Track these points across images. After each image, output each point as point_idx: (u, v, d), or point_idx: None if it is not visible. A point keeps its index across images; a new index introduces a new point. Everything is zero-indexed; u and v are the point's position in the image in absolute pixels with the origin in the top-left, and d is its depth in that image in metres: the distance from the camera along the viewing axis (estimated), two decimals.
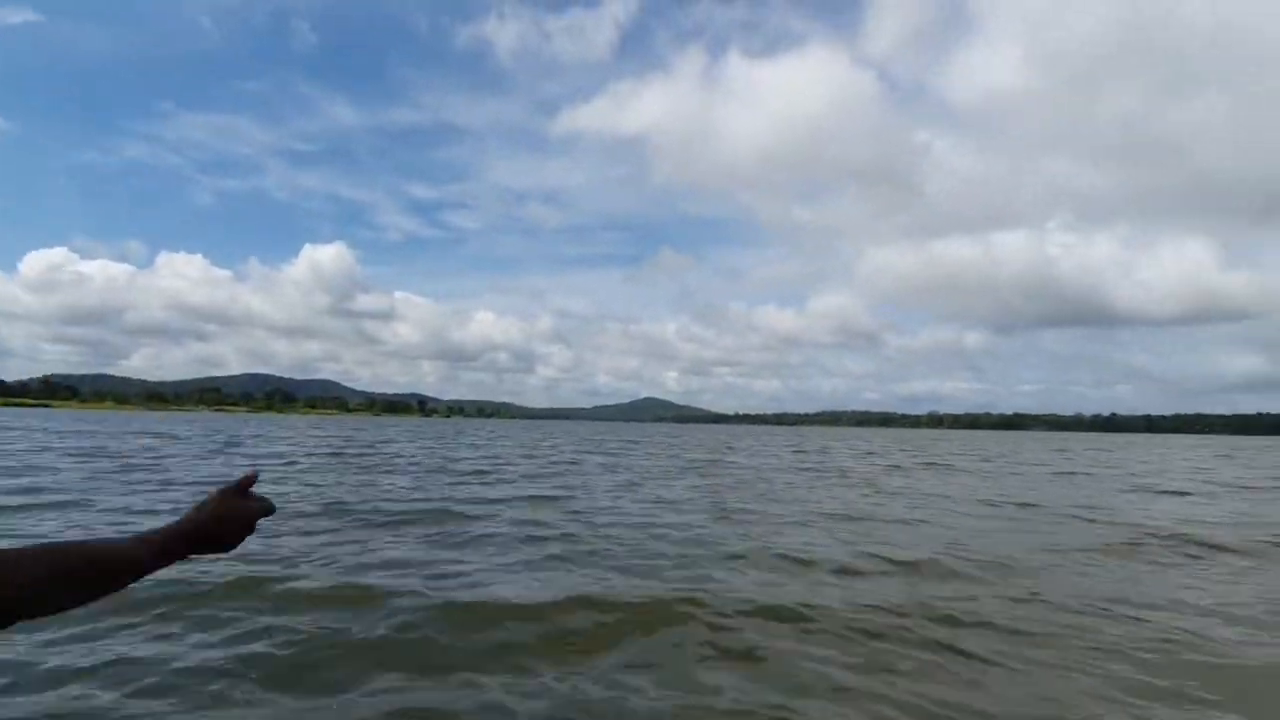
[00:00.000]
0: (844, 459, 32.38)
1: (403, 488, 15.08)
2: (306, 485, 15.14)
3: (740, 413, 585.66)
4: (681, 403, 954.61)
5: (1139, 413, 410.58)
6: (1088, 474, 24.84)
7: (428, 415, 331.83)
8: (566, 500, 13.64)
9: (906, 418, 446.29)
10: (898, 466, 27.10)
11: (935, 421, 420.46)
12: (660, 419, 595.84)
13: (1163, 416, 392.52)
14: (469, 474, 19.19)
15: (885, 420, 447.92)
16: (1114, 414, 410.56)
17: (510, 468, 21.97)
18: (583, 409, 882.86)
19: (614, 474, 20.75)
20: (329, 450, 29.42)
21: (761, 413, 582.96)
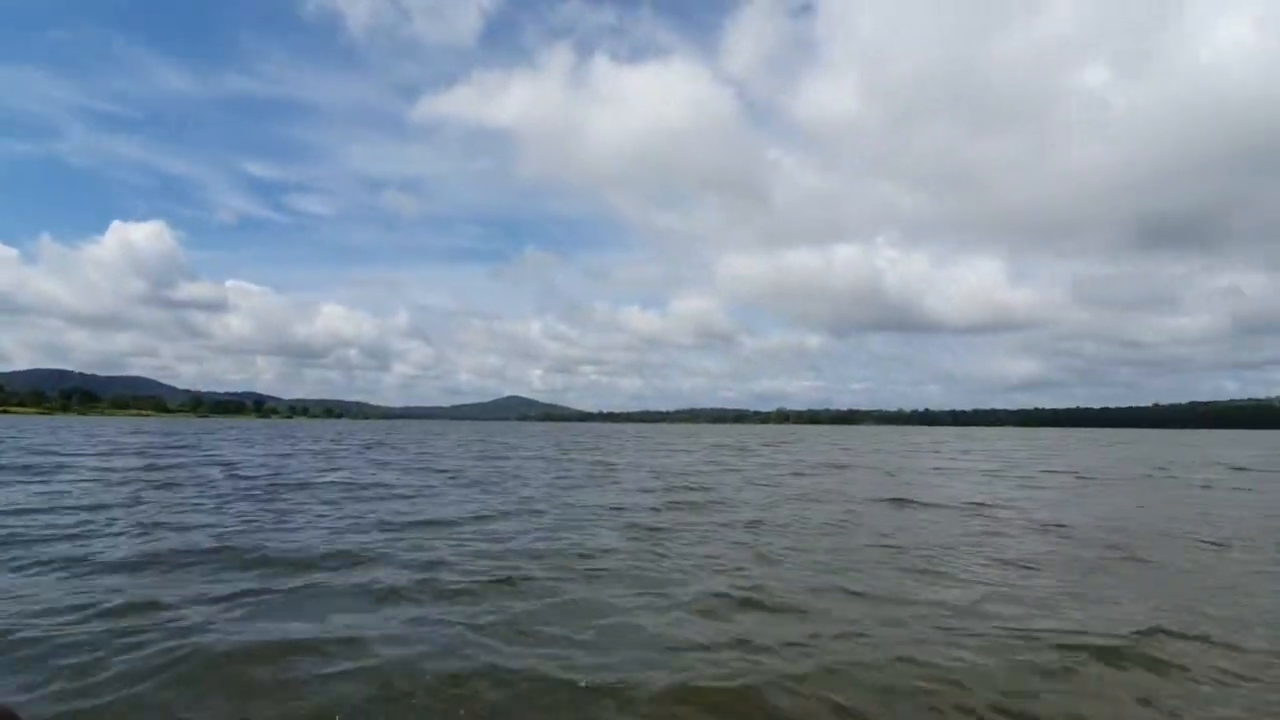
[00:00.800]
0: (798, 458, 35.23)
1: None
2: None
3: (605, 411, 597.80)
4: (546, 401, 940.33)
5: (946, 408, 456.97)
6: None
7: (265, 416, 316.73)
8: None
9: (758, 414, 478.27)
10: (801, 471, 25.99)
11: (783, 417, 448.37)
12: (525, 417, 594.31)
13: (964, 411, 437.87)
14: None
15: (740, 417, 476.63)
16: (927, 409, 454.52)
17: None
18: (443, 408, 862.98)
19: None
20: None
21: (626, 410, 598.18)
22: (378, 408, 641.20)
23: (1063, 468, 29.37)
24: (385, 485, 18.73)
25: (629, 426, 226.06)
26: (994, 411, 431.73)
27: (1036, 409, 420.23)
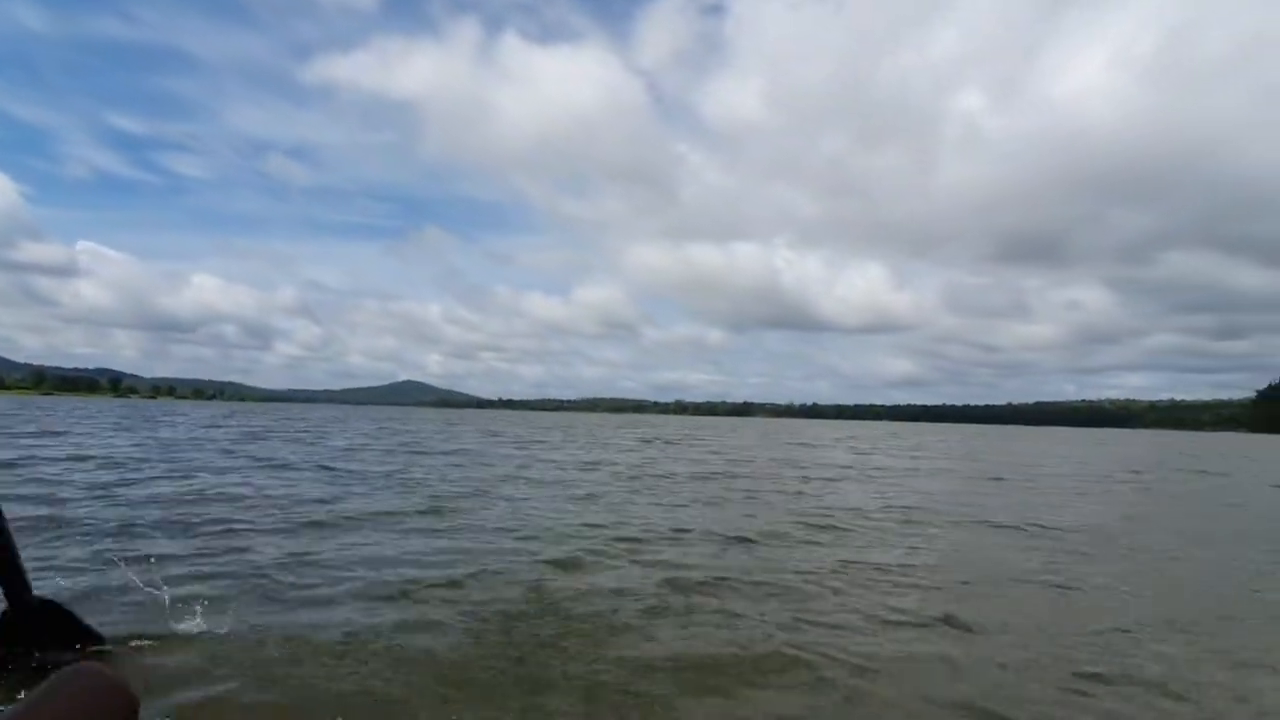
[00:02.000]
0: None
1: None
2: None
3: (504, 398, 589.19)
4: (444, 387, 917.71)
5: (833, 402, 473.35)
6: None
7: (123, 395, 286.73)
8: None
9: (657, 405, 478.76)
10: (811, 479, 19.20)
11: (681, 409, 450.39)
12: (421, 403, 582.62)
13: (848, 405, 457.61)
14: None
15: (639, 407, 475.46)
16: (815, 403, 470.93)
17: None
18: (331, 391, 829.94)
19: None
20: None
21: (526, 398, 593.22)
22: (256, 389, 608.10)
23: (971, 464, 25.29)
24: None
25: (537, 415, 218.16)
26: (874, 406, 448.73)
27: (910, 405, 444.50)
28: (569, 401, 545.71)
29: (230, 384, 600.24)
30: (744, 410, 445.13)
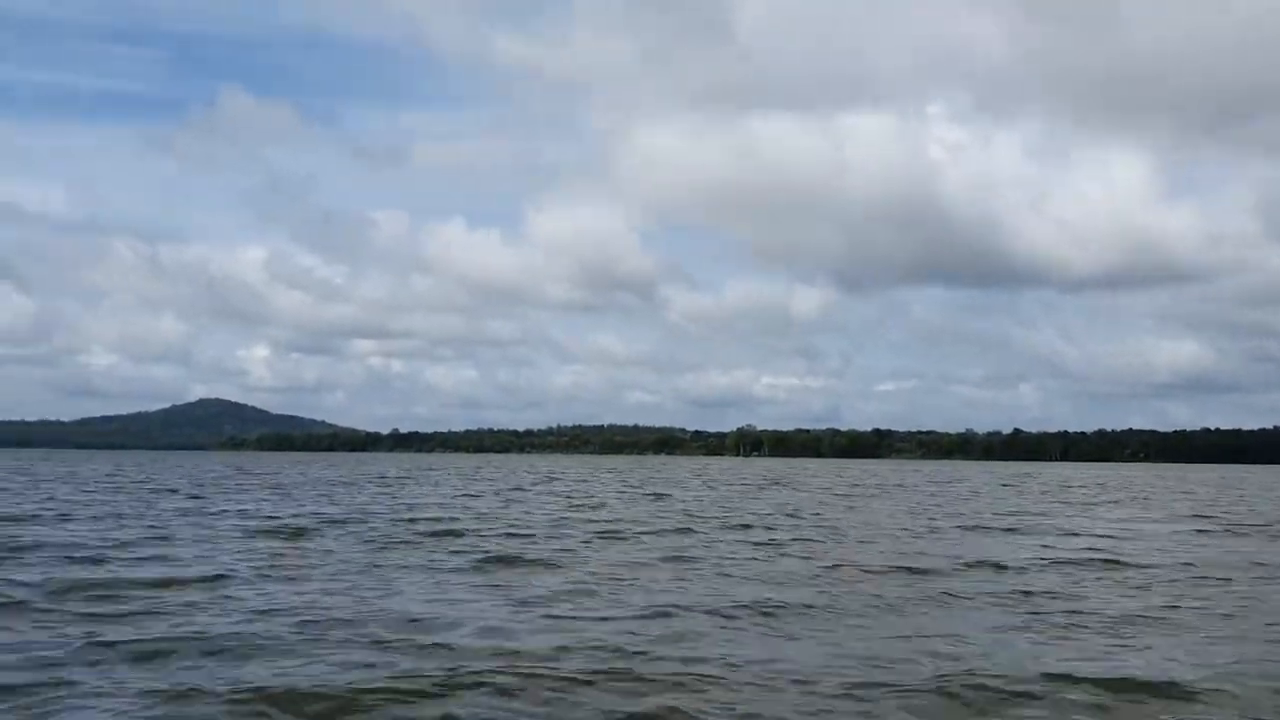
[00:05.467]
0: None
1: None
2: None
3: (398, 430, 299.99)
4: (278, 410, 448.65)
5: (1046, 428, 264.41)
6: None
7: None
8: None
9: (700, 436, 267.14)
10: None
11: (745, 443, 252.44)
12: (237, 442, 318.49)
13: (1082, 435, 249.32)
14: None
15: (664, 441, 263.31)
16: (1016, 429, 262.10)
17: None
18: (56, 425, 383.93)
19: None
20: None
21: (443, 429, 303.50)
22: None
23: None
24: None
25: (458, 461, 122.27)
26: (1134, 433, 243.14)
27: (1205, 429, 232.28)
28: (530, 434, 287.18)
29: None
30: (871, 444, 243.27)
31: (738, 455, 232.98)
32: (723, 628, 8.88)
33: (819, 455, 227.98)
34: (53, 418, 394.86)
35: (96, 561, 12.64)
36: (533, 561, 13.62)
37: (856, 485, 49.69)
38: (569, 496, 32.95)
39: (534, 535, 17.62)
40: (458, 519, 21.25)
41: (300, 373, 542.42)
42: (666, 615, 9.32)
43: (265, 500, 27.66)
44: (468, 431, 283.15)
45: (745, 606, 9.77)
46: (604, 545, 16.23)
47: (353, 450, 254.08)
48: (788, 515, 24.23)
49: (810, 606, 9.99)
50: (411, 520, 20.49)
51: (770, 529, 19.89)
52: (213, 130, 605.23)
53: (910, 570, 13.02)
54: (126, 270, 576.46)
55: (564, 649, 7.70)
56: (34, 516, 19.86)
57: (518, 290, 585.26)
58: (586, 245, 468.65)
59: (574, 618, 9.21)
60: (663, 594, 10.69)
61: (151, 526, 18.11)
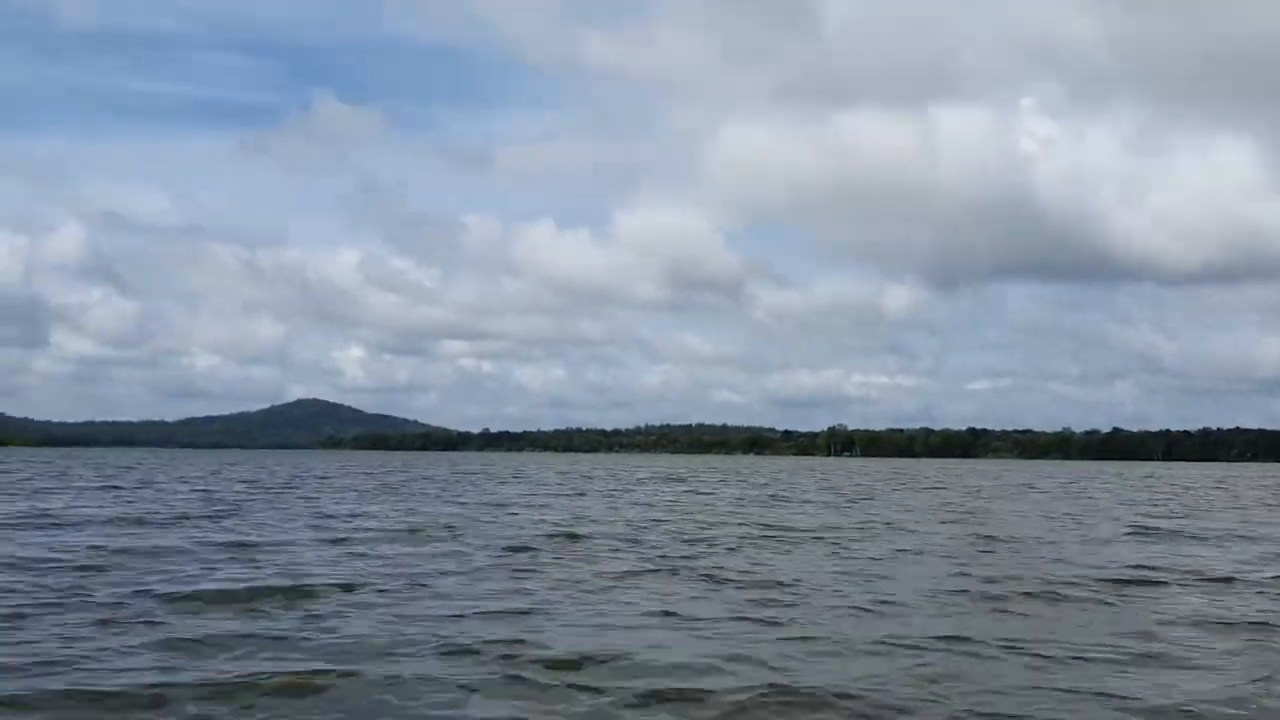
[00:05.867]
0: None
1: None
2: None
3: (490, 430, 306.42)
4: (372, 410, 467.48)
5: (1150, 427, 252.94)
6: None
7: None
8: None
9: (790, 436, 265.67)
10: None
11: (835, 442, 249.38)
12: (335, 441, 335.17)
13: (1185, 434, 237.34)
14: None
15: (754, 440, 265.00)
16: (1115, 428, 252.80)
17: None
18: (160, 425, 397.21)
19: None
20: None
21: (531, 429, 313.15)
22: (24, 423, 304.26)
23: None
24: None
25: (549, 461, 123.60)
26: (1234, 433, 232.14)
27: None
28: (618, 433, 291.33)
29: None
30: (966, 444, 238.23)
31: (828, 455, 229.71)
32: None
33: (912, 455, 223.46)
34: (156, 418, 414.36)
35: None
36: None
37: (998, 485, 48.92)
38: (739, 502, 30.42)
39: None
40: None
41: (393, 373, 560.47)
42: None
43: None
44: (556, 431, 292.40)
45: None
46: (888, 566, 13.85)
47: (444, 450, 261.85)
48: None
49: None
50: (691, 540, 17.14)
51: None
52: (307, 136, 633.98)
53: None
54: (226, 273, 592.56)
55: None
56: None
57: (605, 290, 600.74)
58: (673, 244, 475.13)
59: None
60: None
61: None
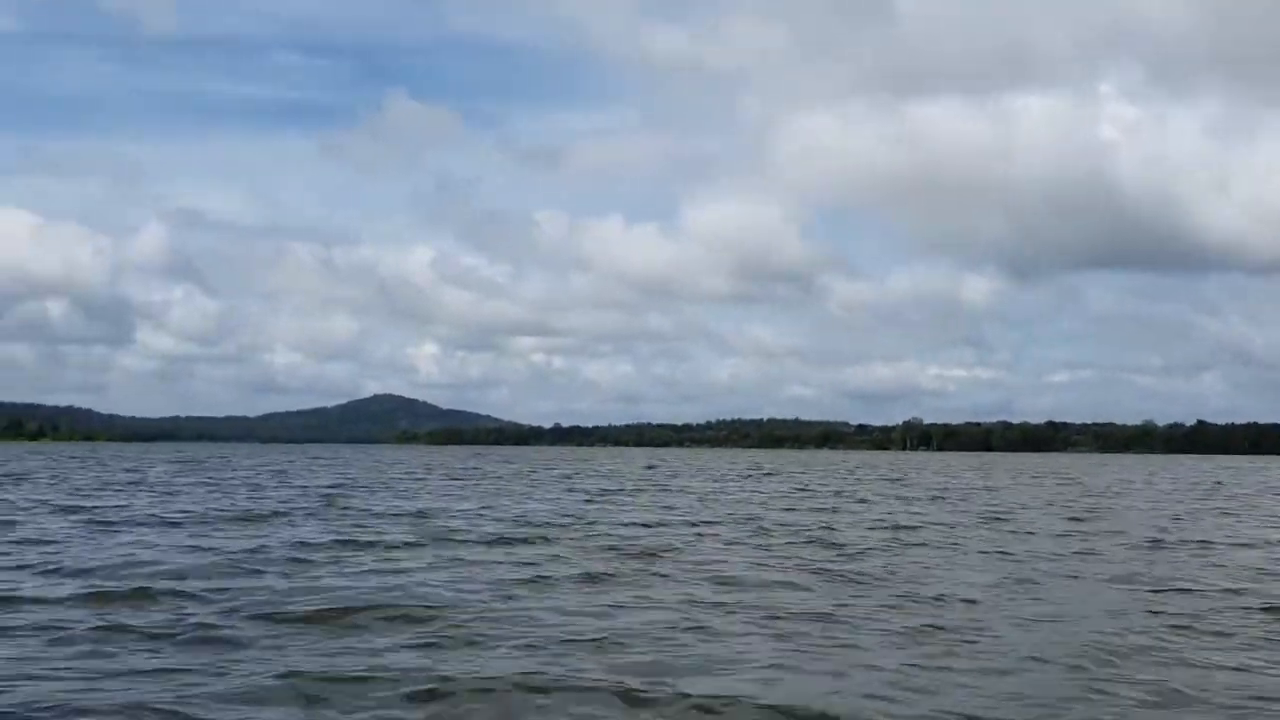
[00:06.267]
0: None
1: None
2: None
3: (561, 425, 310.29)
4: (447, 405, 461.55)
5: (1237, 419, 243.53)
6: None
7: None
8: None
9: (864, 431, 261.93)
10: None
11: (911, 435, 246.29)
12: (409, 436, 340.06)
13: (1275, 426, 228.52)
14: None
15: (827, 435, 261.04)
16: (1199, 420, 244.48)
17: None
18: (243, 420, 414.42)
19: None
20: None
21: (602, 423, 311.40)
22: (110, 419, 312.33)
23: None
24: None
25: (621, 455, 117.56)
26: None
27: None
28: (689, 428, 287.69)
29: (64, 409, 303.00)
30: (1045, 438, 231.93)
31: (904, 449, 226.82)
32: None
33: (989, 449, 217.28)
34: (238, 414, 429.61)
35: None
36: None
37: (1122, 481, 48.45)
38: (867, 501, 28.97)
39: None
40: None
41: (465, 369, 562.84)
42: None
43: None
44: (627, 426, 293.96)
45: None
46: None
47: (516, 444, 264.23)
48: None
49: None
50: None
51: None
52: (380, 135, 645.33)
53: None
54: (303, 272, 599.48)
55: None
56: None
57: (675, 284, 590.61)
58: (743, 237, 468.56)
59: None
60: None
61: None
